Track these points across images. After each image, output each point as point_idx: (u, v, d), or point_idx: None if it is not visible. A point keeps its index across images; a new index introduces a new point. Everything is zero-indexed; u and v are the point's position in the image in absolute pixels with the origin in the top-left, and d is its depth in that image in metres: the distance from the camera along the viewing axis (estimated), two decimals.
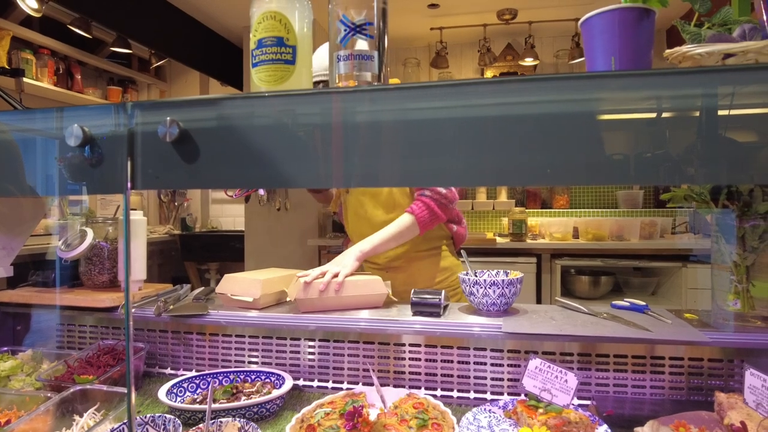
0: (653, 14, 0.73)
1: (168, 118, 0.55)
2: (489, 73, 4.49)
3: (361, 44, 0.64)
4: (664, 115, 0.55)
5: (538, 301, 3.71)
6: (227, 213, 5.56)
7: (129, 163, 0.57)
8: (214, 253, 4.89)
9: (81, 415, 1.16)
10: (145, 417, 1.12)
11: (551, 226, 4.01)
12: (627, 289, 3.78)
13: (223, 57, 4.68)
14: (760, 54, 0.63)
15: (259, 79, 0.67)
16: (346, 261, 1.66)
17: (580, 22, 0.77)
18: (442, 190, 1.83)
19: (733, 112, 0.55)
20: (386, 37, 0.66)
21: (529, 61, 4.38)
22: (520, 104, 0.52)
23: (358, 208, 1.93)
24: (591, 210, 4.41)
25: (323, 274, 1.53)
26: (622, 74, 0.60)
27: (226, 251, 4.75)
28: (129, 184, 0.56)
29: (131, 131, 0.58)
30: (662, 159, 0.53)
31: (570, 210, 4.42)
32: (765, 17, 0.87)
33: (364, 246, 1.73)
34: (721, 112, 0.52)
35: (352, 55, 0.64)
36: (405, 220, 1.78)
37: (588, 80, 0.53)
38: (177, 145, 0.56)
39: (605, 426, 1.05)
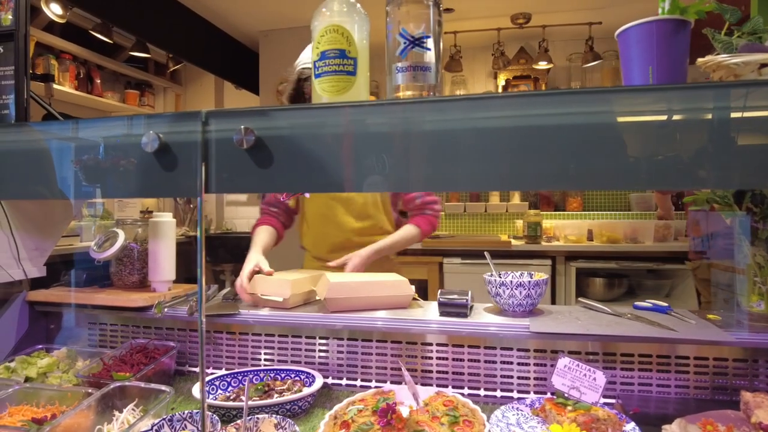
0: (689, 25, 0.76)
1: (242, 126, 0.59)
2: (502, 77, 4.51)
3: (420, 56, 0.68)
4: (687, 125, 0.58)
5: (553, 303, 3.72)
6: (241, 215, 5.61)
7: (203, 169, 0.61)
8: (229, 255, 4.94)
9: (120, 411, 1.19)
10: (183, 413, 1.16)
11: (565, 229, 4.03)
12: (641, 291, 3.79)
13: (239, 61, 4.74)
14: None
15: (321, 89, 0.71)
16: (361, 253, 1.84)
17: (616, 33, 0.80)
18: (438, 207, 2.08)
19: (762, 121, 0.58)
20: (441, 48, 0.70)
21: (542, 65, 4.40)
22: (570, 115, 0.56)
23: (325, 211, 2.03)
24: (604, 212, 4.42)
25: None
26: (642, 89, 0.63)
27: (241, 252, 4.79)
28: (203, 189, 0.60)
29: (205, 138, 0.62)
30: (682, 166, 0.57)
31: (583, 213, 4.44)
32: None
33: (378, 246, 1.92)
34: (750, 123, 0.55)
35: (410, 67, 0.68)
36: (412, 232, 2.01)
37: (629, 93, 0.56)
38: (251, 151, 0.59)
39: (633, 423, 1.07)
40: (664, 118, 0.64)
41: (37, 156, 0.73)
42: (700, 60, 0.85)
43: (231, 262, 5.01)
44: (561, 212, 4.49)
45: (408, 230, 2.01)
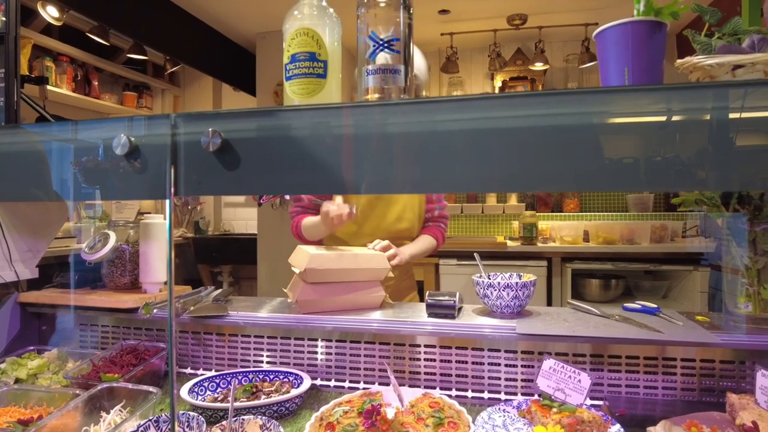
0: (665, 27, 0.76)
1: (210, 129, 0.59)
2: (499, 78, 4.51)
3: (389, 59, 0.68)
4: (671, 126, 0.58)
5: (549, 304, 3.72)
6: (240, 216, 5.63)
7: (172, 171, 0.61)
8: (227, 256, 4.95)
9: (108, 412, 1.20)
10: (169, 414, 1.16)
11: (562, 230, 4.03)
12: (638, 292, 3.79)
13: (236, 63, 4.75)
14: None
15: (292, 91, 0.71)
16: (405, 252, 1.86)
17: (594, 34, 0.80)
18: (448, 222, 2.15)
19: (740, 122, 0.58)
20: (411, 51, 0.70)
21: (539, 66, 4.40)
22: (546, 116, 0.56)
23: (368, 210, 2.00)
24: (601, 213, 4.41)
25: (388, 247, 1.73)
26: (627, 89, 0.63)
27: (239, 254, 4.81)
28: (172, 190, 0.61)
29: (174, 141, 0.62)
30: (666, 167, 0.57)
31: (580, 213, 4.44)
32: None
33: (414, 252, 1.96)
34: (727, 123, 0.56)
35: (380, 69, 0.68)
36: (433, 244, 2.07)
37: (603, 95, 0.56)
38: (218, 153, 0.60)
39: (618, 425, 1.07)
40: (645, 119, 0.64)
41: (14, 158, 0.74)
42: (678, 61, 0.86)
43: (229, 264, 5.02)
44: (558, 213, 4.49)
45: (430, 241, 2.05)
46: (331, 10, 0.73)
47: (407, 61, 0.69)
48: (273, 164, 0.60)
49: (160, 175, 0.62)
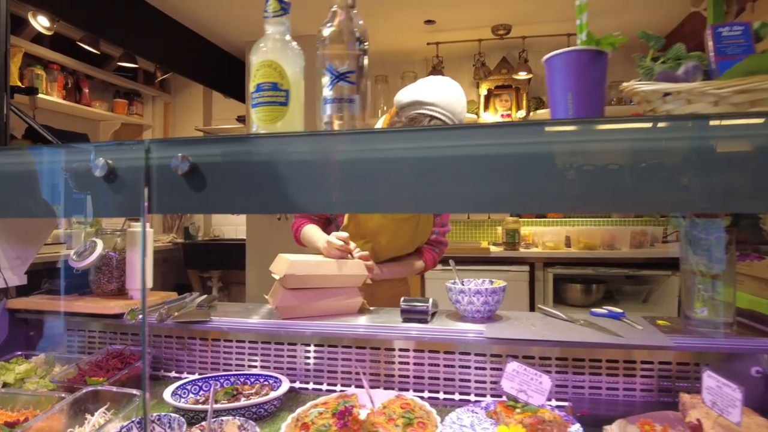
0: (605, 55, 0.83)
1: (180, 154, 0.66)
2: (484, 87, 4.60)
3: (345, 89, 0.75)
4: (601, 156, 0.65)
5: (532, 308, 3.79)
6: (229, 222, 5.66)
7: (146, 191, 0.67)
8: (217, 261, 4.99)
9: (92, 414, 1.24)
10: (152, 416, 1.21)
11: (544, 235, 4.10)
12: (619, 296, 3.86)
13: (226, 70, 4.80)
14: (690, 94, 0.72)
15: (257, 118, 0.78)
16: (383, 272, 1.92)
17: (543, 59, 0.87)
18: (445, 249, 2.16)
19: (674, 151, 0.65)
20: (365, 81, 0.77)
21: (522, 75, 4.49)
22: (484, 146, 0.63)
23: (393, 227, 2.00)
24: (583, 219, 4.49)
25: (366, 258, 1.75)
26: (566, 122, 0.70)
27: (229, 259, 4.84)
28: (146, 205, 0.66)
29: (148, 164, 0.68)
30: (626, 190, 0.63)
31: (562, 219, 4.51)
32: (712, 54, 0.97)
33: (395, 274, 2.01)
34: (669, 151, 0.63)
35: (336, 99, 0.75)
36: (420, 267, 2.11)
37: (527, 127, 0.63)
38: (187, 176, 0.66)
39: (578, 425, 1.13)
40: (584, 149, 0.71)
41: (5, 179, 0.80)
42: (623, 84, 0.93)
43: (219, 269, 5.06)
44: (541, 219, 4.55)
45: (419, 265, 2.10)
46: (294, 43, 0.80)
47: (361, 90, 0.76)
48: (237, 186, 0.67)
49: (135, 195, 0.68)
